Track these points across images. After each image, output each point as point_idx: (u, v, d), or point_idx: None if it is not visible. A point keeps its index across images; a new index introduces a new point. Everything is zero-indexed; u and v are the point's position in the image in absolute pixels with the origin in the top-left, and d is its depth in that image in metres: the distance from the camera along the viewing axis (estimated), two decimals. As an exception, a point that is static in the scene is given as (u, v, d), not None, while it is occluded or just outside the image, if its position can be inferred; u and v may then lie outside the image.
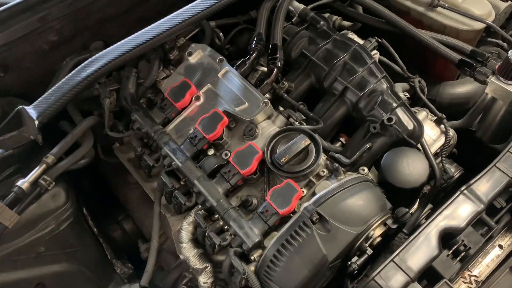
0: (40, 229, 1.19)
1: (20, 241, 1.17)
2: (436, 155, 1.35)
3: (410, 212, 1.34)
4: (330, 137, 1.37)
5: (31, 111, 1.15)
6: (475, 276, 1.11)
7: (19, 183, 1.11)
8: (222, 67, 1.34)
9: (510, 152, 1.20)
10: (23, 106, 1.15)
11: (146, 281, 1.18)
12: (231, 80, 1.32)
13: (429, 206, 1.36)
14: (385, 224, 1.12)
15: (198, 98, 1.32)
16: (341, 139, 1.35)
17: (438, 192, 1.35)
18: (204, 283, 1.20)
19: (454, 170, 1.38)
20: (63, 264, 1.26)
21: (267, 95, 1.35)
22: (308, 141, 1.16)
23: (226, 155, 1.22)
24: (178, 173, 1.23)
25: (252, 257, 1.11)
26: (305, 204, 1.09)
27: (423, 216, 1.31)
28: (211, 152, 1.24)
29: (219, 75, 1.33)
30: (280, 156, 1.15)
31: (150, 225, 1.32)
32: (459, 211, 1.11)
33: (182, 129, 1.31)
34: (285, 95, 1.36)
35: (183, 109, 1.32)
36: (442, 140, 1.35)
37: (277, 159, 1.15)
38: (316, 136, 1.18)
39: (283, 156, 1.15)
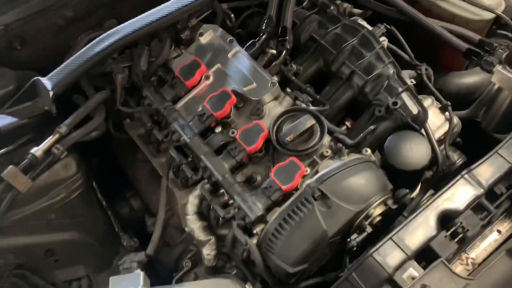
0: (51, 197, 1.24)
1: (32, 207, 1.21)
2: (439, 141, 1.37)
3: (412, 196, 1.37)
4: (336, 120, 1.39)
5: (46, 82, 1.19)
6: (472, 258, 1.13)
7: (33, 150, 1.15)
8: (232, 47, 1.37)
9: (512, 139, 1.22)
10: (39, 78, 1.19)
11: (152, 250, 1.22)
12: (240, 60, 1.35)
13: (431, 191, 1.38)
14: (385, 204, 1.15)
15: (207, 77, 1.35)
16: (346, 122, 1.37)
17: (440, 178, 1.37)
18: (207, 255, 1.23)
19: (457, 157, 1.41)
20: (72, 233, 1.31)
21: (275, 77, 1.38)
22: (313, 121, 1.19)
23: (233, 132, 1.25)
24: (186, 149, 1.27)
25: (254, 231, 1.15)
26: (308, 181, 1.12)
27: (424, 201, 1.33)
28: (218, 129, 1.28)
29: (229, 55, 1.36)
30: (285, 134, 1.18)
31: (157, 201, 1.36)
32: (459, 194, 1.13)
33: (191, 106, 1.34)
34: (293, 78, 1.38)
35: (193, 87, 1.35)
36: (446, 127, 1.37)
37: (282, 138, 1.18)
38: (321, 117, 1.20)
39: (288, 135, 1.18)
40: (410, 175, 1.22)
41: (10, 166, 1.13)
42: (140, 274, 1.04)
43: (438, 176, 1.33)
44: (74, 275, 1.42)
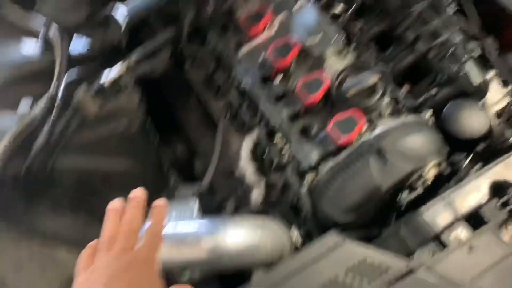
0: (114, 126, 1.30)
1: (96, 133, 1.28)
2: (497, 116, 1.36)
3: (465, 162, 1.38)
4: (395, 83, 1.39)
5: (119, 13, 1.23)
6: (520, 229, 1.14)
7: (102, 78, 1.20)
8: (301, -1, 1.38)
9: None
10: (111, 9, 1.23)
11: (207, 182, 1.27)
12: (307, 11, 1.36)
13: (480, 164, 1.38)
14: (439, 166, 1.17)
15: (272, 26, 1.37)
16: (405, 87, 1.37)
17: (491, 153, 1.37)
18: (255, 198, 1.28)
19: (511, 134, 1.40)
20: (128, 162, 1.37)
21: (341, 31, 1.38)
22: (377, 78, 1.20)
23: (293, 82, 1.27)
24: (246, 95, 1.30)
25: (306, 179, 1.18)
26: (365, 137, 1.14)
27: (473, 171, 1.34)
28: (279, 79, 1.30)
29: (296, 5, 1.37)
30: (347, 88, 1.19)
31: (207, 145, 1.40)
32: (514, 166, 1.14)
33: (254, 54, 1.35)
34: (358, 34, 1.38)
35: (257, 35, 1.37)
36: (505, 102, 1.36)
37: (344, 92, 1.20)
38: (385, 76, 1.21)
39: (351, 89, 1.19)
40: (464, 143, 1.23)
41: (81, 91, 1.19)
42: (195, 202, 1.09)
43: (490, 150, 1.33)
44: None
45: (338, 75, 1.23)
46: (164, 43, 1.33)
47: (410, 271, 0.98)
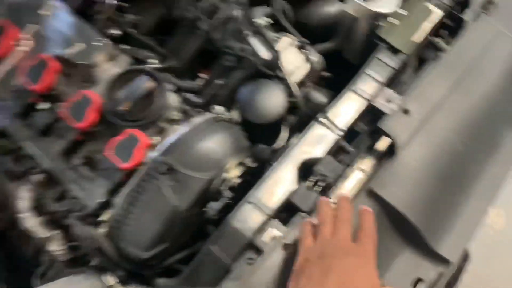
0: None
1: None
2: (301, 83, 1.29)
3: (283, 145, 1.30)
4: (190, 74, 1.24)
5: None
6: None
7: None
8: (50, 2, 1.13)
9: (366, 73, 1.16)
10: None
11: None
12: (61, 18, 1.12)
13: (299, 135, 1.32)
14: (243, 164, 1.06)
15: (22, 42, 1.11)
16: (202, 75, 1.23)
17: (308, 121, 1.31)
18: (56, 251, 1.08)
19: (321, 97, 1.34)
20: None
21: (114, 30, 1.18)
22: (151, 83, 1.03)
23: (61, 107, 1.05)
24: (6, 136, 1.06)
25: (102, 219, 1.01)
26: (153, 154, 0.99)
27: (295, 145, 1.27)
28: (45, 105, 1.07)
29: (47, 13, 1.12)
30: (119, 103, 1.01)
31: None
32: (316, 141, 1.07)
33: (8, 81, 1.10)
34: (131, 30, 1.19)
35: (5, 57, 1.11)
36: (306, 67, 1.28)
37: (116, 107, 1.02)
38: (158, 76, 1.05)
39: (123, 104, 1.01)
40: (269, 127, 1.14)
41: None
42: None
43: (302, 121, 1.26)
44: None
45: (108, 88, 1.04)
46: None
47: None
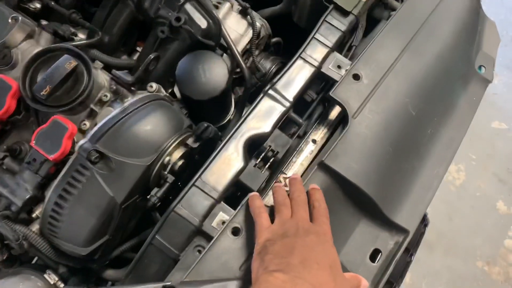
0: None
1: None
2: (247, 51, 1.20)
3: (229, 119, 1.22)
4: (125, 49, 1.13)
5: None
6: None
7: None
8: None
9: (315, 38, 1.08)
10: None
11: None
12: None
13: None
14: (185, 144, 0.98)
15: None
16: (138, 48, 1.12)
17: (258, 90, 1.23)
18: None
19: (270, 65, 1.26)
20: None
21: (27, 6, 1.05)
22: (74, 62, 0.92)
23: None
24: None
25: (34, 215, 0.92)
26: (81, 142, 0.89)
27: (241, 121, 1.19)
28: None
29: None
30: (39, 88, 0.90)
31: None
32: (264, 115, 1.00)
33: None
34: (51, 3, 1.06)
35: None
36: (250, 33, 1.19)
37: (36, 93, 0.90)
38: (83, 54, 0.93)
39: (44, 87, 0.90)
40: (211, 103, 1.05)
41: None
42: None
43: (249, 92, 1.18)
44: None
45: (25, 71, 0.92)
46: None
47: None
